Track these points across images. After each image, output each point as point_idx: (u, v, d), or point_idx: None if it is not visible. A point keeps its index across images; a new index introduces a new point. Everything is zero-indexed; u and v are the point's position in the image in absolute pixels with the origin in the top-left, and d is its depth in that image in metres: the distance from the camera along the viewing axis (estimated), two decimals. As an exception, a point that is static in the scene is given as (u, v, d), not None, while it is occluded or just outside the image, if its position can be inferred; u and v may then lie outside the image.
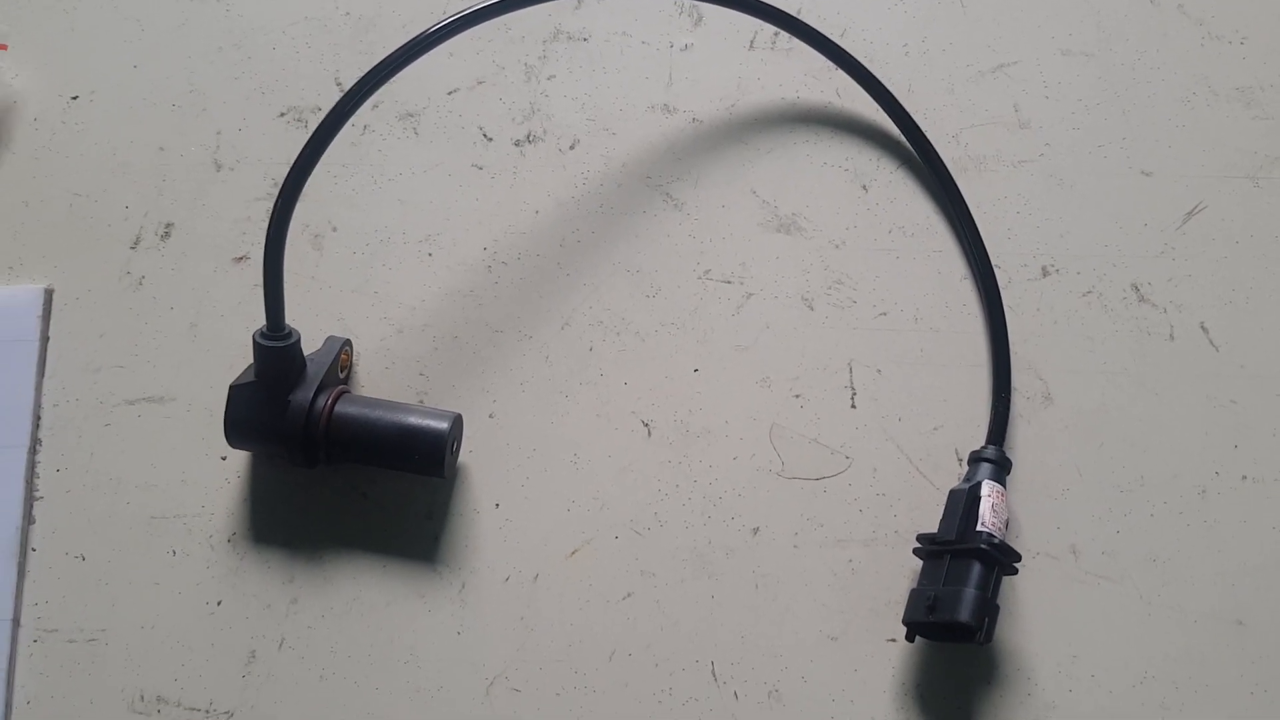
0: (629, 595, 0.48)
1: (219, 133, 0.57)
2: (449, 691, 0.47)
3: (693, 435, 0.51)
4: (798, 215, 0.55)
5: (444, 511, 0.50)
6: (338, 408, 0.48)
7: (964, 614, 0.44)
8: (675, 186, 0.56)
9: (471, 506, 0.50)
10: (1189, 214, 0.55)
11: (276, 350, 0.46)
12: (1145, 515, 0.49)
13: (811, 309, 0.53)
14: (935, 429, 0.51)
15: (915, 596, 0.46)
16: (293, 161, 0.43)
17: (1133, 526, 0.49)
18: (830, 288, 0.54)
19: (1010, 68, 0.58)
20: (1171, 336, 0.53)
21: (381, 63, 0.44)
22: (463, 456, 0.50)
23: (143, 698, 0.47)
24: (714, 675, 0.47)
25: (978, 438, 0.50)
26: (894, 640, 0.47)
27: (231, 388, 0.47)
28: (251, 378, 0.47)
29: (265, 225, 0.44)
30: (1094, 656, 0.47)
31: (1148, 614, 0.48)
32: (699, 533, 0.49)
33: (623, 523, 0.49)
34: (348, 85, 0.49)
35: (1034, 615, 0.48)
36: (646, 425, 0.51)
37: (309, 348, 0.49)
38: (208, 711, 0.47)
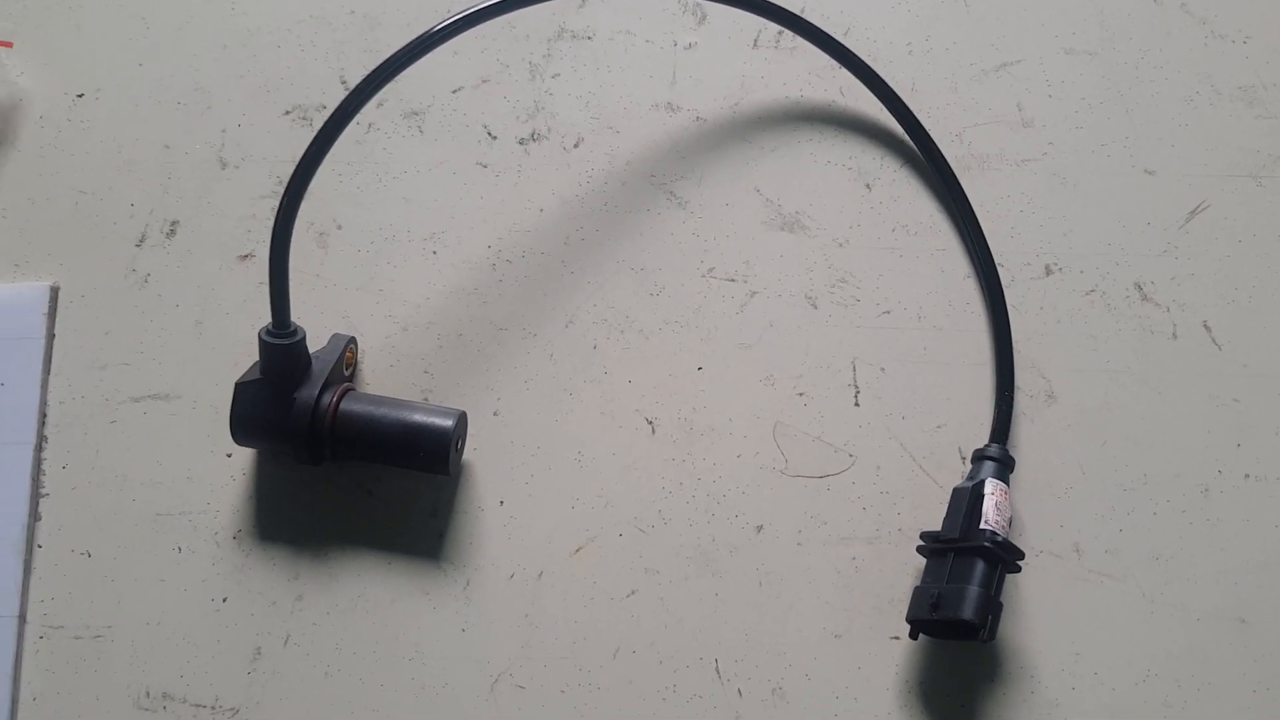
0: (633, 593, 0.48)
1: (224, 130, 0.57)
2: (454, 688, 0.47)
3: (696, 433, 0.51)
4: (801, 214, 0.55)
5: (449, 509, 0.50)
6: (343, 405, 0.48)
7: (967, 612, 0.44)
8: (679, 185, 0.56)
9: (476, 504, 0.50)
10: (1192, 213, 0.55)
11: (282, 348, 0.46)
12: (1148, 513, 0.50)
13: (815, 307, 0.53)
14: (938, 427, 0.51)
15: (919, 594, 0.46)
16: (298, 159, 0.43)
17: (1135, 525, 0.49)
18: (834, 286, 0.54)
19: (1014, 67, 0.58)
20: (1174, 335, 0.53)
21: (386, 61, 0.44)
22: (467, 454, 0.50)
23: (148, 694, 0.47)
24: (718, 673, 0.47)
25: (981, 436, 0.50)
26: (898, 638, 0.48)
27: (237, 385, 0.48)
28: (257, 375, 0.47)
29: (270, 223, 0.44)
30: (1097, 654, 0.47)
31: (1150, 612, 0.48)
32: (703, 530, 0.49)
33: (627, 520, 0.50)
34: (353, 83, 0.49)
35: (1037, 613, 0.48)
36: (650, 423, 0.51)
37: (314, 345, 0.49)
38: (213, 708, 0.47)
